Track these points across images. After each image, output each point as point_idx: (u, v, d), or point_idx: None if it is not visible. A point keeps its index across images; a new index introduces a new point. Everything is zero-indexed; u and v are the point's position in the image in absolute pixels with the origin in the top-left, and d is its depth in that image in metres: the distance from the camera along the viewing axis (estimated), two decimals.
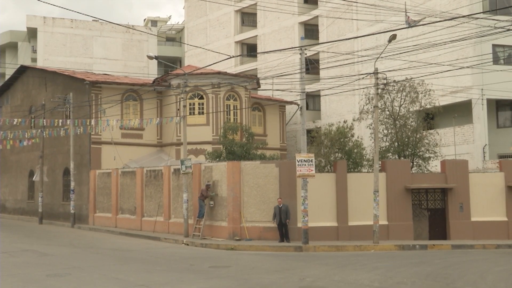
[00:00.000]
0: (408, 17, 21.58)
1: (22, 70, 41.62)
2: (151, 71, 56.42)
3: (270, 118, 40.18)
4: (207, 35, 53.26)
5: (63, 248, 22.44)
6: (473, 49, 32.11)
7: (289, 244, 22.89)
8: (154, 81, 35.77)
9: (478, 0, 32.69)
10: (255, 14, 49.81)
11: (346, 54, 35.20)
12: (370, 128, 28.69)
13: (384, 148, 28.69)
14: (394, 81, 27.32)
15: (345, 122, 28.84)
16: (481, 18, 28.21)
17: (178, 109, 29.98)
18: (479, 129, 32.95)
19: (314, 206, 24.04)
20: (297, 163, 22.64)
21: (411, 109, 28.79)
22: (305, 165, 22.55)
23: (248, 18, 51.42)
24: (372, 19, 38.44)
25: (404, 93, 28.51)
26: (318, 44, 37.46)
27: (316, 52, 40.84)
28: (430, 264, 18.77)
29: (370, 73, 24.91)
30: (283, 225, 23.53)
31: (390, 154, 28.60)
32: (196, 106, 34.23)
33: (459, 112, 33.83)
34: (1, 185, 44.71)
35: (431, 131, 30.71)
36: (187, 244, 24.32)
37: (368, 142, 31.40)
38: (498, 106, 34.87)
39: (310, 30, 45.79)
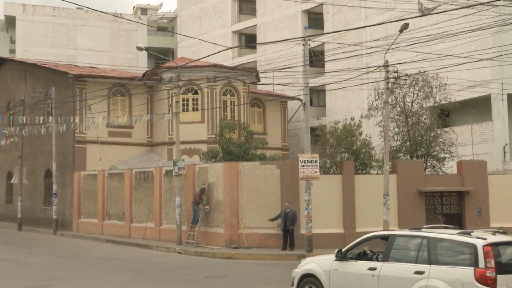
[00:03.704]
0: (421, 4, 21.56)
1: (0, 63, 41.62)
2: (140, 64, 56.41)
3: (271, 115, 40.18)
4: (201, 25, 53.25)
5: (44, 257, 22.44)
6: (493, 39, 32.11)
7: (291, 253, 22.91)
8: (144, 75, 35.75)
9: None
10: (254, 1, 49.81)
11: (354, 45, 35.18)
12: (379, 126, 28.69)
13: (395, 148, 28.69)
14: (406, 74, 27.31)
15: (352, 119, 28.84)
16: (502, 5, 28.21)
17: (170, 105, 29.97)
18: (499, 126, 32.96)
19: (318, 211, 24.04)
20: (300, 164, 22.65)
21: (424, 105, 28.77)
22: (308, 166, 22.55)
23: (246, 5, 51.41)
24: (382, 6, 38.42)
25: (417, 88, 28.50)
26: (323, 34, 37.47)
27: (320, 43, 40.83)
28: None
29: (380, 66, 24.91)
30: (288, 231, 23.55)
31: (402, 154, 28.59)
32: (190, 102, 34.23)
33: (477, 108, 33.82)
34: None
35: (447, 129, 30.71)
36: (180, 253, 24.33)
37: (377, 141, 31.40)
38: None
39: (314, 19, 45.77)
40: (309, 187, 22.83)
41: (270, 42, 27.25)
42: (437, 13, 22.07)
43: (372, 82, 29.54)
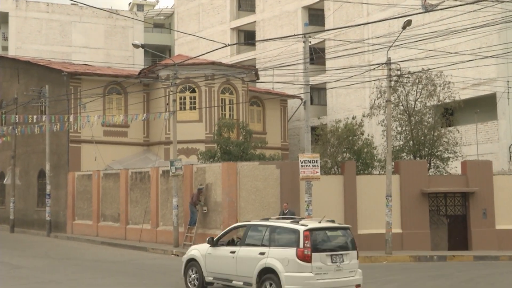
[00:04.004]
0: (425, 0, 21.59)
1: None
2: (137, 61, 56.38)
3: (270, 114, 40.17)
4: (199, 21, 53.23)
5: (38, 259, 22.42)
6: (498, 36, 32.11)
7: None
8: (140, 72, 35.73)
9: None
10: None
11: (355, 42, 35.18)
12: (382, 125, 28.69)
13: (397, 148, 28.69)
14: (409, 72, 27.33)
15: (354, 118, 28.84)
16: (508, 1, 28.21)
17: (167, 104, 29.94)
18: (505, 126, 32.97)
19: (319, 212, 23.99)
20: (300, 164, 22.65)
21: (428, 104, 28.78)
22: (309, 166, 22.55)
23: (245, 1, 51.38)
24: (385, 3, 38.43)
25: (420, 86, 28.51)
26: (324, 31, 37.46)
27: (321, 40, 40.81)
28: (449, 277, 18.79)
29: (382, 64, 24.89)
30: None
31: (405, 154, 28.60)
32: (188, 100, 34.21)
33: (482, 107, 33.83)
34: None
35: (451, 128, 30.72)
36: (177, 255, 24.30)
37: (379, 141, 31.39)
38: None
39: (315, 15, 45.76)
40: (309, 188, 22.83)
41: (270, 39, 27.22)
42: (441, 9, 22.11)
43: (374, 80, 29.54)
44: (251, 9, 50.43)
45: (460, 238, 26.20)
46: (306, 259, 12.86)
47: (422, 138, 28.26)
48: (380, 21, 30.07)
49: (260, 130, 38.71)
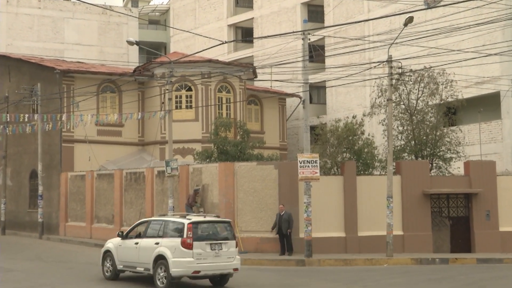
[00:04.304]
0: None
1: None
2: (131, 59, 56.32)
3: (268, 112, 40.20)
4: (195, 18, 53.22)
5: (30, 262, 22.41)
6: (502, 33, 32.17)
7: (290, 258, 22.93)
8: (135, 70, 35.72)
9: None
10: None
11: (356, 39, 35.21)
12: (383, 125, 28.72)
13: (399, 148, 28.73)
14: (411, 70, 27.36)
15: (354, 117, 28.88)
16: None
17: (163, 103, 29.92)
18: (509, 125, 33.03)
19: (318, 214, 24.08)
20: (299, 164, 22.67)
21: (430, 103, 28.81)
22: (308, 166, 22.57)
23: None
24: None
25: (422, 84, 28.55)
26: (324, 28, 37.46)
27: (321, 37, 40.83)
28: (452, 280, 18.84)
29: (383, 61, 24.94)
30: (285, 235, 23.57)
31: (406, 154, 28.64)
32: (183, 99, 34.22)
33: (486, 106, 33.89)
34: None
35: (453, 127, 30.79)
36: None
37: (380, 141, 31.43)
38: None
39: (314, 12, 45.78)
40: (308, 189, 22.85)
41: (268, 36, 27.24)
42: (443, 5, 22.15)
43: (375, 79, 29.57)
44: (249, 5, 50.44)
45: (463, 240, 26.25)
46: (189, 246, 15.82)
47: (424, 137, 28.30)
48: (381, 17, 30.10)
49: (258, 130, 38.73)
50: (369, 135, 28.62)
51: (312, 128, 33.86)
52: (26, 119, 31.52)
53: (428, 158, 28.11)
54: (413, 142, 28.42)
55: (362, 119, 29.18)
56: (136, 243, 17.37)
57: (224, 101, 34.96)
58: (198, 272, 15.94)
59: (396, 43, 24.64)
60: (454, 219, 26.36)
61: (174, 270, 15.74)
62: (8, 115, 33.53)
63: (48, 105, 33.52)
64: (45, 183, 33.86)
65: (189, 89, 34.24)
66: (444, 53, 30.11)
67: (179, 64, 31.34)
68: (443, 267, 22.22)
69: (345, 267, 22.05)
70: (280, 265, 22.24)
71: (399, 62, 24.91)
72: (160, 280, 16.13)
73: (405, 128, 28.90)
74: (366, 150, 27.29)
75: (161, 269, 16.14)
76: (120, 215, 29.82)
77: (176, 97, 33.73)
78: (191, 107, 34.00)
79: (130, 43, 27.42)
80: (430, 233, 25.68)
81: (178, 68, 31.68)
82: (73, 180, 32.91)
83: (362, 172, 26.63)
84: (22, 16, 55.00)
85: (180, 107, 33.90)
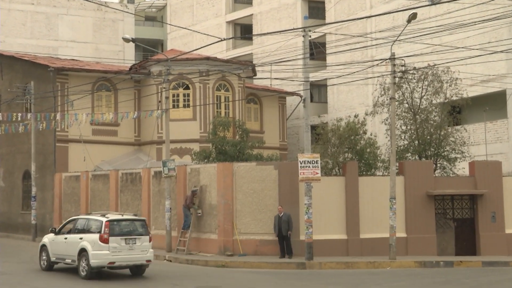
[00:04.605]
0: None
1: None
2: (127, 56, 56.31)
3: (268, 111, 40.19)
4: (193, 14, 53.22)
5: (23, 265, 22.41)
6: (509, 30, 32.18)
7: (290, 261, 22.94)
8: (131, 68, 35.71)
9: None
10: None
11: (358, 36, 35.21)
12: (385, 124, 28.73)
13: (402, 147, 28.73)
14: (414, 68, 27.34)
15: (356, 116, 28.87)
16: None
17: (160, 101, 29.94)
18: None
19: (319, 216, 24.08)
20: (299, 164, 22.67)
21: (434, 101, 28.82)
22: (309, 167, 22.57)
23: None
24: None
25: (426, 83, 28.55)
26: (325, 24, 37.49)
27: (322, 34, 40.84)
28: (457, 284, 18.85)
29: (386, 59, 24.93)
30: (284, 237, 23.56)
31: (410, 154, 28.64)
32: (181, 98, 34.21)
33: (491, 104, 33.89)
34: None
35: (458, 127, 30.78)
36: (170, 261, 24.33)
37: (383, 140, 31.45)
38: None
39: (315, 8, 45.79)
40: (309, 190, 22.85)
41: (268, 33, 27.21)
42: (447, 1, 22.15)
43: (377, 77, 29.56)
44: (248, 1, 50.45)
45: (467, 243, 26.27)
46: (105, 241, 18.73)
47: (428, 137, 28.30)
48: (384, 14, 30.08)
49: (258, 129, 38.73)
50: (371, 135, 28.63)
51: (313, 127, 33.88)
52: (19, 118, 31.49)
53: (432, 158, 28.12)
54: (416, 142, 28.42)
55: (364, 118, 29.16)
56: (65, 238, 20.15)
57: (222, 99, 34.95)
58: (113, 263, 18.85)
59: (399, 40, 24.64)
60: (459, 221, 26.38)
61: (93, 261, 18.62)
62: (0, 114, 33.51)
63: (42, 104, 33.51)
64: (39, 184, 33.85)
65: (187, 88, 34.21)
66: (449, 51, 30.17)
67: (176, 62, 31.32)
68: (448, 270, 22.23)
69: (347, 270, 22.05)
70: (280, 268, 22.23)
71: (402, 59, 24.90)
72: (83, 270, 18.98)
73: (408, 127, 28.89)
74: (368, 150, 27.29)
75: (83, 260, 18.99)
76: None
77: (173, 95, 33.71)
78: (188, 106, 33.99)
79: (126, 40, 27.42)
80: (434, 235, 25.69)
81: (176, 66, 31.64)
82: (67, 181, 32.89)
83: (364, 172, 26.63)
84: (15, 12, 54.96)
85: (178, 106, 33.87)
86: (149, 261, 19.54)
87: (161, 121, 32.05)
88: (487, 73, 33.24)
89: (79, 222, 20.39)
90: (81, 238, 19.38)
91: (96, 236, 18.91)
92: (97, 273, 18.96)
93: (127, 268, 19.72)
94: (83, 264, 18.96)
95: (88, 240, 19.05)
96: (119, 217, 19.96)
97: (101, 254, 18.66)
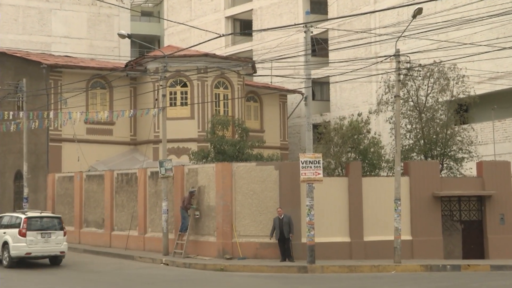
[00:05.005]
0: None
1: None
2: (123, 53, 56.30)
3: (269, 110, 40.21)
4: (191, 9, 53.23)
5: (13, 269, 22.41)
6: None
7: (291, 264, 22.91)
8: (126, 65, 35.72)
9: None
10: None
11: (361, 32, 35.22)
12: (390, 123, 28.72)
13: (407, 147, 28.71)
14: (420, 65, 27.33)
15: (359, 115, 28.84)
16: None
17: (156, 99, 29.94)
18: None
19: (322, 218, 24.06)
20: (301, 165, 22.65)
21: (440, 99, 28.80)
22: (310, 167, 22.56)
23: None
24: None
25: (432, 80, 28.53)
26: (327, 20, 37.49)
27: (324, 29, 40.85)
28: None
29: (390, 56, 24.90)
30: (285, 240, 23.53)
31: (415, 154, 28.62)
32: (178, 96, 34.21)
33: (500, 103, 33.91)
34: None
35: (465, 126, 30.77)
36: (167, 264, 24.32)
37: (387, 140, 31.43)
38: None
39: (317, 3, 45.81)
40: (311, 191, 22.84)
41: (268, 29, 27.16)
42: None
43: (381, 74, 29.58)
44: None
45: (475, 246, 26.24)
46: (23, 235, 22.30)
47: (434, 136, 28.27)
48: (388, 9, 30.11)
49: (258, 128, 38.74)
50: (375, 134, 28.59)
51: (315, 126, 33.86)
52: (10, 117, 31.51)
53: (438, 158, 28.10)
54: (422, 141, 28.40)
55: (368, 116, 29.13)
56: None
57: (221, 97, 34.96)
58: (30, 253, 22.46)
59: (404, 36, 24.63)
60: (466, 223, 26.34)
61: (13, 252, 22.33)
62: None
63: (34, 102, 33.51)
64: (31, 185, 33.84)
65: (184, 85, 34.22)
66: (455, 47, 30.11)
67: (173, 59, 31.33)
68: (455, 274, 22.21)
69: (350, 274, 22.03)
70: (281, 272, 22.21)
71: (407, 56, 24.88)
72: (5, 260, 22.69)
73: (413, 126, 28.87)
74: (372, 149, 27.26)
75: (6, 252, 22.64)
76: (110, 219, 29.81)
77: (171, 93, 33.71)
78: (186, 104, 34.00)
79: (122, 36, 27.40)
80: (441, 238, 25.66)
81: (173, 62, 31.68)
82: (60, 181, 32.89)
83: (368, 173, 26.61)
84: (7, 7, 54.90)
85: (175, 104, 33.88)
86: (62, 252, 23.14)
87: (158, 120, 32.03)
88: (495, 70, 33.26)
89: (5, 219, 24.08)
90: (4, 233, 23.02)
91: (16, 230, 22.49)
92: (17, 262, 22.52)
93: (47, 258, 23.38)
94: (5, 255, 22.70)
95: (10, 234, 22.70)
96: (37, 214, 23.82)
97: (19, 246, 22.32)
